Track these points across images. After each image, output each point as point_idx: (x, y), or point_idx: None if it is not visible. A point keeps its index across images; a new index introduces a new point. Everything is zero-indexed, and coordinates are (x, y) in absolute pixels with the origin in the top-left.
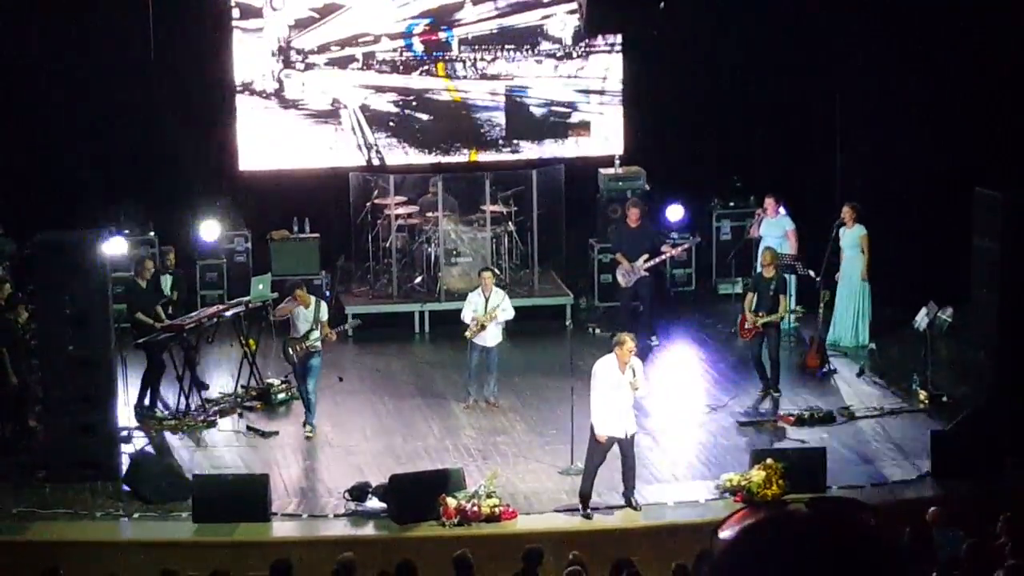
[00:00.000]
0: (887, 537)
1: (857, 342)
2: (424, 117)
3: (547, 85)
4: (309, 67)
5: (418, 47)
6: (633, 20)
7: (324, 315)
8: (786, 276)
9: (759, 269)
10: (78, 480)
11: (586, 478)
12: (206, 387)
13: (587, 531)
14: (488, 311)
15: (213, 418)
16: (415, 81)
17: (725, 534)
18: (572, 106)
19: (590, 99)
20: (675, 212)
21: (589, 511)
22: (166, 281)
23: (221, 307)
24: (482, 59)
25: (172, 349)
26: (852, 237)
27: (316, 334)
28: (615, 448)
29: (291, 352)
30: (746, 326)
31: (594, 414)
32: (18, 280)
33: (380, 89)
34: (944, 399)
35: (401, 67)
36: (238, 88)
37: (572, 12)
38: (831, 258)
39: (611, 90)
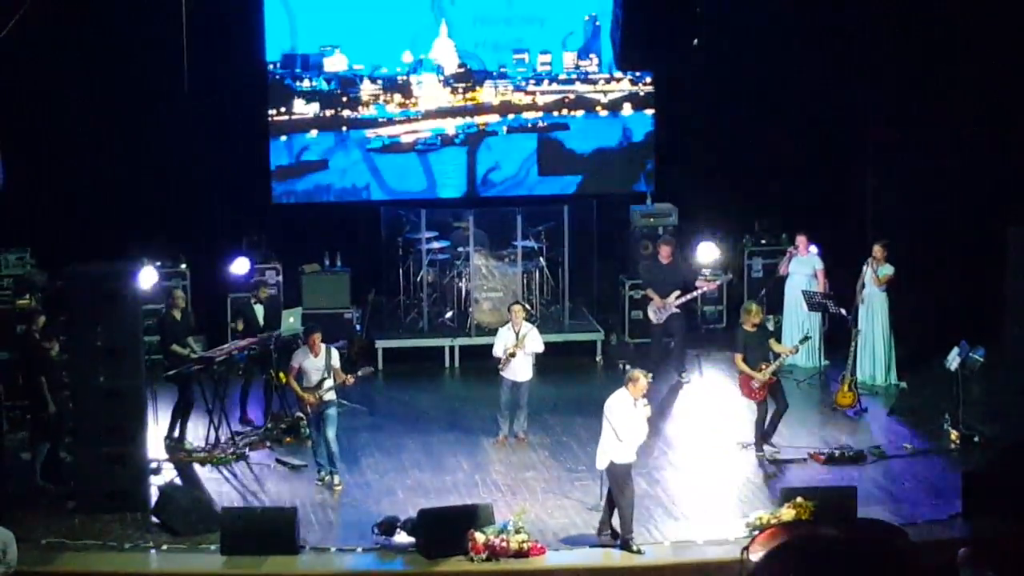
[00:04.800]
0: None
1: (887, 381)
2: (456, 150)
3: (580, 121)
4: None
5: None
6: (665, 58)
7: (336, 362)
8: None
9: (742, 326)
10: (107, 511)
11: (629, 517)
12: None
13: (616, 567)
14: (518, 341)
15: (243, 451)
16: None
17: (756, 554)
18: (605, 141)
19: (622, 135)
20: (706, 249)
21: (637, 546)
22: (259, 311)
23: (252, 340)
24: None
25: (203, 381)
26: (880, 276)
27: (329, 382)
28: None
29: (305, 403)
30: (754, 385)
31: (613, 447)
32: (49, 311)
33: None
34: (975, 439)
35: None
36: (271, 122)
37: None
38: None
39: (642, 127)
